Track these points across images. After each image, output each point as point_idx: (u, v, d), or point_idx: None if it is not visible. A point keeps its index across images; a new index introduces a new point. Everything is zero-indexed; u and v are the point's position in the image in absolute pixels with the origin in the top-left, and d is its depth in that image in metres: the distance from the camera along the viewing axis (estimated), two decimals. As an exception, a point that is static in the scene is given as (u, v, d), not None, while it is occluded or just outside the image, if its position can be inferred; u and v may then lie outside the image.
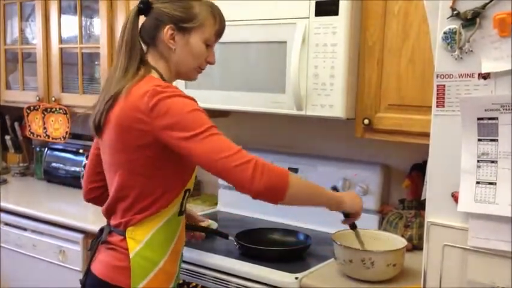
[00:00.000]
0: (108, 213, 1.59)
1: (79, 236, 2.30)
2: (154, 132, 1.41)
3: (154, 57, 1.55)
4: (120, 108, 1.46)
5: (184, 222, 1.63)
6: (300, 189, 1.43)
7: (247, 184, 1.34)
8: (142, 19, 1.55)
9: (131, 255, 1.49)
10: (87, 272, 1.59)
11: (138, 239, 1.50)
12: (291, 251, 1.92)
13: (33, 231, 2.48)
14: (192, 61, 1.56)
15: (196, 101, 1.45)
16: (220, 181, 2.46)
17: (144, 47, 1.57)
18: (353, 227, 1.71)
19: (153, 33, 1.53)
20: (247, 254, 1.88)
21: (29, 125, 3.03)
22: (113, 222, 1.57)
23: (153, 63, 1.54)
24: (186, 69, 1.58)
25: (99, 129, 1.53)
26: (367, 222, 2.07)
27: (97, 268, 1.56)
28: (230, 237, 1.92)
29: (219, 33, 1.59)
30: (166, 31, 1.51)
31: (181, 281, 1.87)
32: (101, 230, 1.63)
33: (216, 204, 2.56)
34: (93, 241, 1.65)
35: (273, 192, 1.36)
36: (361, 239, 1.73)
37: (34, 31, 2.94)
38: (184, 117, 1.38)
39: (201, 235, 1.90)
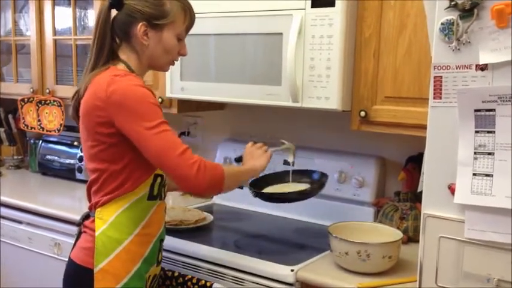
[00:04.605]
0: (89, 199, 1.66)
1: (74, 229, 2.27)
2: (111, 119, 1.47)
3: (126, 51, 1.60)
4: (85, 99, 1.54)
5: (162, 208, 1.67)
6: (231, 178, 1.58)
7: (193, 181, 1.45)
8: (114, 12, 1.59)
9: (96, 234, 1.56)
10: (69, 258, 1.66)
11: (105, 219, 1.56)
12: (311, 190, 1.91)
13: (28, 224, 2.46)
14: (165, 56, 1.62)
15: (153, 93, 1.52)
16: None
17: (118, 41, 1.61)
18: None
19: (126, 29, 1.57)
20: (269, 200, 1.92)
21: (23, 118, 3.01)
22: (89, 206, 1.65)
23: (124, 57, 1.59)
24: (160, 63, 1.65)
25: (77, 123, 1.62)
26: (363, 215, 2.08)
27: (72, 252, 1.64)
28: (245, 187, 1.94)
29: (190, 27, 1.65)
30: (140, 28, 1.55)
31: (178, 274, 1.87)
32: None
33: (211, 197, 2.55)
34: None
35: (214, 187, 1.52)
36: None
37: (28, 23, 2.91)
38: (137, 108, 1.46)
39: None
